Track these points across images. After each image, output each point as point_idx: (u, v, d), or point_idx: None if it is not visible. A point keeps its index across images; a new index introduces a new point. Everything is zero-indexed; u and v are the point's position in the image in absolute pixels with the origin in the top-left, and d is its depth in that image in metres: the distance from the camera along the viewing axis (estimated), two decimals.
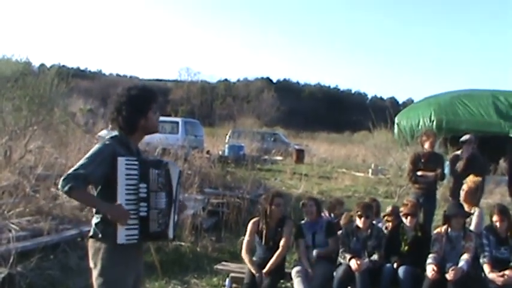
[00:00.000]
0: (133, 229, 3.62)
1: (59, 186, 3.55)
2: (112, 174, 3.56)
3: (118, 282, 3.68)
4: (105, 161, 3.58)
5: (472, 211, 6.90)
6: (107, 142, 3.74)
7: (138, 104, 3.81)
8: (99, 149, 3.66)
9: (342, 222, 7.42)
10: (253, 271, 6.44)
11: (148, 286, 6.85)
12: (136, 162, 3.65)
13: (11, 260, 6.07)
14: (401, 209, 6.80)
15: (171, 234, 3.89)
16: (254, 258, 6.68)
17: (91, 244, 3.73)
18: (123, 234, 3.57)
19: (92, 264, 3.73)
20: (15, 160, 11.36)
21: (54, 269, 6.81)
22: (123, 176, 3.57)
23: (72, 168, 3.56)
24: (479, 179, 7.35)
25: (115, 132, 3.90)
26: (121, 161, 3.57)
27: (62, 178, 3.51)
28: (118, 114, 3.80)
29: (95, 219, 3.71)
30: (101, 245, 3.67)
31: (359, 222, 6.61)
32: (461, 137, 9.32)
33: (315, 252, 6.71)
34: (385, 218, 7.26)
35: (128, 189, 3.60)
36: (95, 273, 3.70)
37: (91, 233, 3.74)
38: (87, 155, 3.62)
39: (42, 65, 31.26)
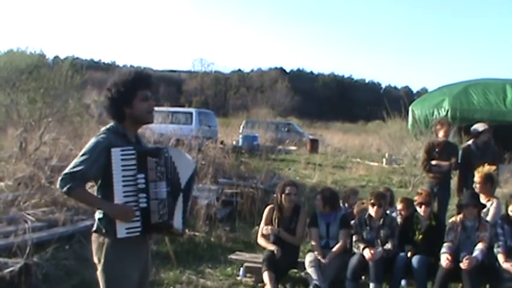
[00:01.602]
0: (135, 221, 3.51)
1: (58, 187, 3.48)
2: (110, 166, 3.44)
3: (122, 277, 3.58)
4: (102, 155, 3.44)
5: (489, 202, 6.83)
6: (102, 135, 3.58)
7: (122, 91, 3.60)
8: (94, 143, 3.52)
9: (355, 211, 7.41)
10: (272, 248, 6.51)
11: (163, 276, 6.89)
12: (132, 152, 3.50)
13: (27, 251, 6.11)
14: (416, 198, 6.78)
15: (178, 226, 3.71)
16: None
17: (94, 239, 3.63)
18: (123, 228, 3.47)
19: (95, 259, 3.64)
20: (30, 152, 11.45)
21: (70, 259, 6.87)
22: (119, 167, 3.44)
23: (69, 167, 3.46)
24: (493, 168, 7.28)
25: (111, 123, 3.72)
26: (115, 152, 3.45)
27: (60, 178, 3.43)
28: (103, 102, 3.77)
29: (98, 214, 3.60)
30: (104, 240, 3.56)
31: (372, 211, 6.60)
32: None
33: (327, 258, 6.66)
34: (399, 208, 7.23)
35: (126, 181, 3.47)
36: (99, 268, 3.61)
37: (94, 228, 3.63)
38: (82, 151, 3.51)
39: (56, 57, 31.50)
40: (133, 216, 3.47)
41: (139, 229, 3.53)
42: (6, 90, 14.69)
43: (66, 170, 3.44)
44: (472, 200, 6.41)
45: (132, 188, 3.50)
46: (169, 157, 3.65)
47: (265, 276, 6.25)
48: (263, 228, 6.84)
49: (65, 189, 3.40)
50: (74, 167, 3.43)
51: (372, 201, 6.61)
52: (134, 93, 3.62)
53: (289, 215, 6.84)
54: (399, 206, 7.08)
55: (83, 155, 3.47)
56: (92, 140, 3.56)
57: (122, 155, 3.46)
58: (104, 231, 3.56)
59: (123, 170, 3.46)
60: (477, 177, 7.01)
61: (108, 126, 3.69)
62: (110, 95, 3.62)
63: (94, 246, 3.63)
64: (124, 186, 3.47)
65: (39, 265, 6.11)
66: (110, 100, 3.64)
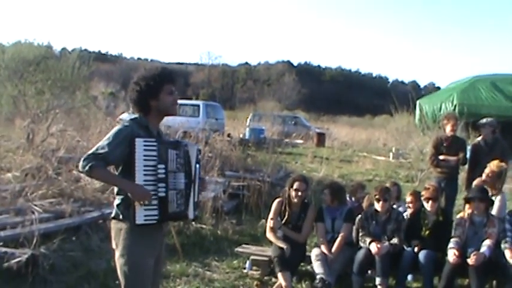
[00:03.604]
0: (153, 209, 3.65)
1: (80, 168, 3.60)
2: (131, 155, 3.59)
3: (139, 262, 3.69)
4: (124, 142, 3.61)
5: (493, 196, 6.82)
6: (126, 124, 3.78)
7: (148, 85, 3.78)
8: (118, 130, 3.69)
9: (364, 204, 7.39)
10: (281, 245, 6.47)
11: (169, 268, 6.89)
12: (154, 144, 3.67)
13: (34, 241, 6.13)
14: (423, 193, 6.76)
15: (191, 215, 3.92)
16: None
17: (113, 225, 3.78)
18: (141, 215, 3.60)
19: (114, 245, 3.78)
20: (37, 143, 11.49)
21: (76, 250, 6.89)
22: (141, 157, 3.60)
23: (91, 150, 3.62)
24: (503, 164, 7.26)
25: (135, 115, 3.91)
26: (139, 142, 3.59)
27: (82, 159, 3.56)
28: (130, 96, 3.86)
29: (117, 201, 3.75)
30: (122, 226, 3.70)
31: (377, 206, 6.59)
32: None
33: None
34: (408, 200, 7.21)
35: (146, 170, 3.62)
36: (117, 253, 3.73)
37: (113, 214, 3.78)
38: (106, 137, 3.66)
39: (63, 48, 31.31)
40: (150, 198, 3.60)
41: (156, 217, 3.68)
42: (14, 82, 14.75)
43: (89, 152, 3.61)
44: (480, 194, 6.38)
45: (152, 177, 3.65)
46: (187, 150, 3.84)
47: (281, 277, 6.18)
48: (271, 222, 6.81)
49: (86, 167, 3.52)
50: (97, 149, 3.59)
51: (377, 196, 6.59)
52: (161, 86, 3.81)
53: (298, 211, 6.81)
54: (408, 198, 7.07)
55: (106, 139, 3.63)
56: (116, 127, 3.75)
57: (145, 145, 3.62)
58: (121, 217, 3.71)
59: (144, 160, 3.62)
60: (488, 169, 7.00)
61: (132, 117, 3.89)
62: (139, 88, 3.79)
63: (112, 232, 3.79)
64: (145, 175, 3.62)
65: (46, 256, 6.12)
66: (138, 93, 3.81)
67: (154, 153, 3.65)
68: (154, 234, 3.79)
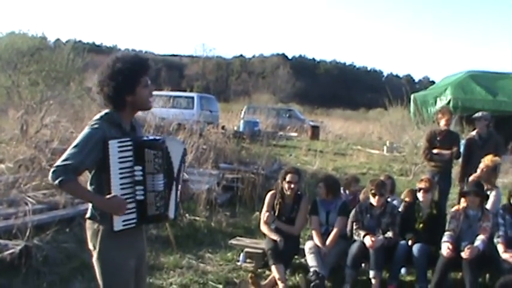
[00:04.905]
0: (131, 213, 3.44)
1: (49, 178, 3.32)
2: (105, 158, 3.32)
3: (119, 264, 3.52)
4: (96, 148, 3.32)
5: (489, 191, 6.85)
6: (96, 125, 3.41)
7: (124, 79, 3.44)
8: (87, 134, 3.37)
9: (361, 197, 7.40)
10: (275, 237, 6.46)
11: (163, 260, 6.89)
12: (129, 143, 3.39)
13: (27, 233, 6.12)
14: (417, 184, 6.78)
15: (171, 215, 3.69)
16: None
17: (89, 225, 3.55)
18: (120, 220, 3.40)
19: (91, 246, 3.56)
20: (31, 134, 11.43)
21: (70, 242, 6.86)
22: (116, 160, 3.34)
23: (61, 159, 3.31)
24: (497, 158, 7.29)
25: (104, 111, 3.55)
26: (112, 144, 3.33)
27: (52, 170, 3.28)
28: (101, 90, 3.52)
29: None
30: (99, 227, 3.48)
31: (373, 200, 6.58)
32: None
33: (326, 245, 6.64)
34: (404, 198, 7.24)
35: (122, 173, 3.38)
36: (94, 255, 3.54)
37: (88, 214, 3.55)
38: (75, 142, 3.35)
39: (57, 39, 31.10)
40: (126, 208, 3.38)
41: (135, 221, 3.48)
42: (8, 72, 14.70)
43: (58, 162, 3.30)
44: (475, 188, 6.39)
45: (129, 180, 3.42)
46: (165, 148, 3.55)
47: (274, 270, 6.18)
48: (265, 215, 6.81)
49: (56, 182, 3.26)
50: (66, 159, 3.29)
51: (373, 190, 6.57)
52: (138, 80, 3.50)
53: (291, 203, 6.81)
54: (406, 198, 7.12)
55: (75, 146, 3.33)
56: (85, 131, 3.41)
57: (119, 147, 3.36)
58: (98, 218, 3.49)
59: (120, 162, 3.37)
60: (483, 164, 7.03)
61: (101, 114, 3.53)
62: (115, 84, 3.45)
63: (89, 233, 3.56)
64: (121, 178, 3.39)
65: (40, 247, 6.11)
66: (114, 88, 3.46)
67: (130, 153, 3.39)
68: (133, 233, 3.57)
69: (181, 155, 3.71)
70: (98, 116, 3.51)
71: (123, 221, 3.41)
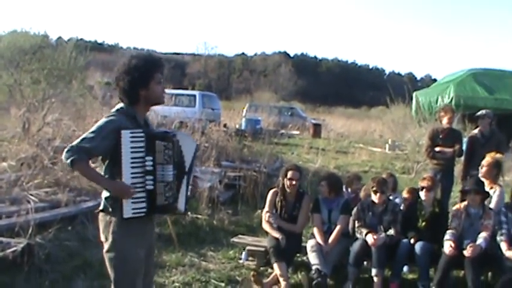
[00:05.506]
0: (140, 202, 3.60)
1: (62, 157, 3.54)
2: (118, 147, 3.51)
3: (129, 255, 3.65)
4: (110, 135, 3.53)
5: (492, 189, 6.83)
6: (112, 116, 3.66)
7: (139, 74, 3.68)
8: (105, 122, 3.60)
9: (361, 194, 7.39)
10: (277, 235, 6.46)
11: (165, 258, 6.90)
12: (142, 135, 3.59)
13: (29, 231, 6.12)
14: (419, 183, 6.77)
15: (181, 207, 3.84)
16: None
17: (101, 218, 3.71)
18: (129, 208, 3.56)
19: (103, 238, 3.71)
20: (33, 132, 11.45)
21: (72, 240, 6.88)
22: (128, 149, 3.53)
23: (76, 141, 3.53)
24: (500, 156, 7.28)
25: (121, 104, 3.79)
26: (125, 134, 3.52)
27: (66, 149, 3.50)
28: (117, 85, 3.74)
29: (105, 193, 3.69)
30: (111, 219, 3.64)
31: (374, 198, 6.57)
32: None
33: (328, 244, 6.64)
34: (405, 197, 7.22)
35: (134, 162, 3.56)
36: (106, 246, 3.68)
37: (101, 207, 3.72)
38: (92, 129, 3.58)
39: (59, 38, 31.21)
40: (132, 193, 3.55)
41: (144, 210, 3.63)
42: (10, 70, 14.68)
43: (74, 143, 3.52)
44: (476, 187, 6.39)
45: (140, 169, 3.59)
46: (176, 141, 3.73)
47: (277, 268, 6.18)
48: (266, 214, 6.81)
49: (68, 160, 3.47)
50: (81, 141, 3.50)
51: (374, 188, 6.56)
52: (152, 75, 3.72)
53: (293, 201, 6.81)
54: (406, 195, 7.10)
55: (91, 132, 3.54)
56: (103, 120, 3.65)
57: (131, 137, 3.54)
58: (110, 210, 3.64)
59: (131, 152, 3.55)
60: (485, 162, 7.02)
61: (118, 107, 3.76)
62: (130, 78, 3.68)
63: (101, 225, 3.71)
64: (132, 167, 3.56)
65: (42, 245, 6.12)
66: (130, 83, 3.68)
67: (142, 144, 3.58)
68: (144, 224, 3.73)
69: (194, 152, 3.89)
70: (114, 109, 3.75)
71: (133, 209, 3.57)
